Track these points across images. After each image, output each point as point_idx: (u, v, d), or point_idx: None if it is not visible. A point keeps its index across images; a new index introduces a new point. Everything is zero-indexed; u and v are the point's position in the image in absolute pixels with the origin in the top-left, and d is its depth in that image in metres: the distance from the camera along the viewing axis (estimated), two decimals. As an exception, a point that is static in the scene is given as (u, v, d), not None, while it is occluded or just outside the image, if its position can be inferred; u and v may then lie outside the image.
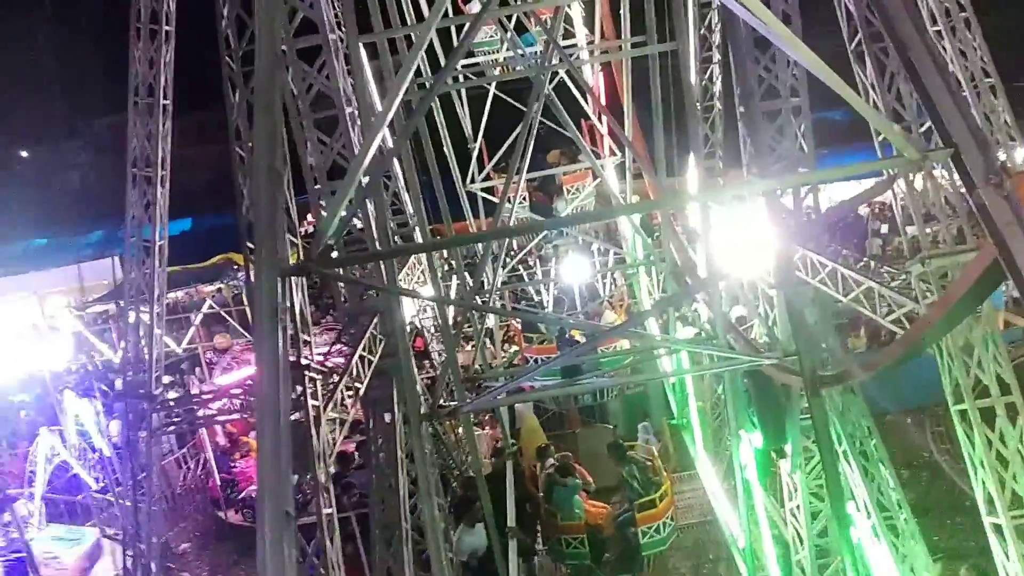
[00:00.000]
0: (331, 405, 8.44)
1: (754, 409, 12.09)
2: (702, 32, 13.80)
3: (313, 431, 7.68)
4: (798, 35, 12.53)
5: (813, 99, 10.15)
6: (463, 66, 16.12)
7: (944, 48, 14.38)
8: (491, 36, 16.82)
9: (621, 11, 14.05)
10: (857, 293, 10.87)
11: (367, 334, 9.26)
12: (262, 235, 4.43)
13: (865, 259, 13.25)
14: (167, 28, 12.00)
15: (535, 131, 12.11)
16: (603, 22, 17.32)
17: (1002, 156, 14.77)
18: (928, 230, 10.04)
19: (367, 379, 9.32)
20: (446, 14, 14.30)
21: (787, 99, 10.47)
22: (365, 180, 6.02)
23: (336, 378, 8.79)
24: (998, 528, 9.71)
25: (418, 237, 11.00)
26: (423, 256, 15.58)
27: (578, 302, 20.85)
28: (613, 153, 19.34)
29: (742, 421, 12.26)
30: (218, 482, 21.41)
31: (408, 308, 15.54)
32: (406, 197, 11.38)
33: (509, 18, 14.71)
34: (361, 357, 9.23)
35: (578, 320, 19.29)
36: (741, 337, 10.43)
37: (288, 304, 5.42)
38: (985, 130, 12.47)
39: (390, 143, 10.22)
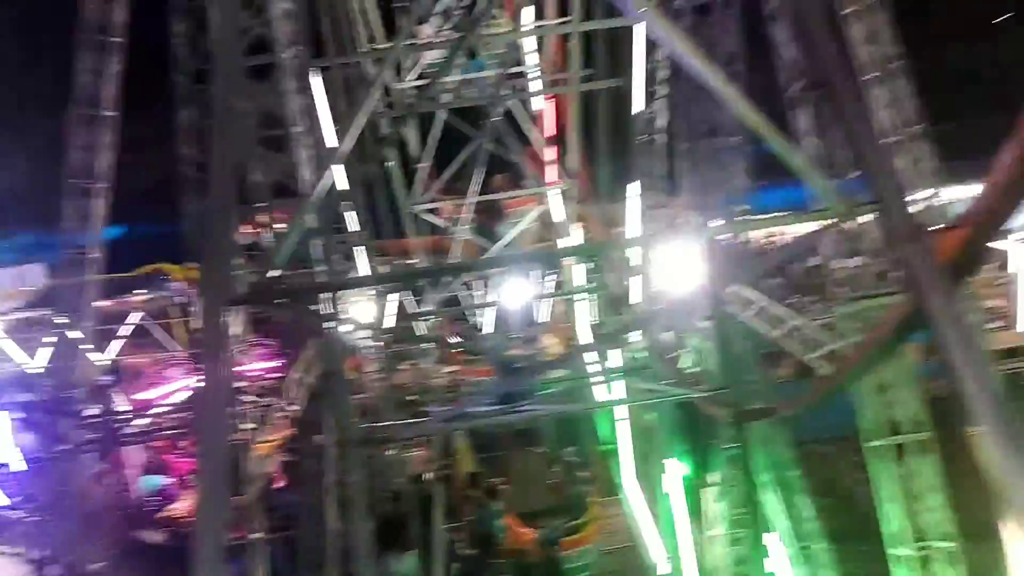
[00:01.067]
0: (263, 427, 8.35)
1: (682, 438, 12.39)
2: (650, 66, 14.07)
3: (244, 454, 7.57)
4: (742, 76, 12.99)
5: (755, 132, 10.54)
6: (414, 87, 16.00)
7: (877, 96, 14.88)
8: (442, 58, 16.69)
9: (571, 44, 14.18)
10: (785, 331, 11.26)
11: (303, 355, 9.21)
12: (212, 265, 4.40)
13: (795, 298, 13.70)
14: (116, 39, 11.44)
15: (485, 157, 12.15)
16: (553, 52, 17.47)
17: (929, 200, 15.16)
18: (852, 265, 10.51)
19: (301, 401, 9.25)
20: (394, 35, 14.27)
21: (728, 138, 10.85)
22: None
23: (268, 399, 8.71)
24: (901, 559, 10.20)
25: (361, 258, 10.95)
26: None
27: (517, 325, 20.82)
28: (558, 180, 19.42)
29: (670, 449, 12.50)
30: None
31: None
32: (348, 216, 11.32)
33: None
34: (296, 379, 9.17)
35: (516, 344, 19.30)
36: (673, 369, 10.69)
37: (232, 332, 5.39)
38: (914, 176, 12.96)
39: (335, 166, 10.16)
